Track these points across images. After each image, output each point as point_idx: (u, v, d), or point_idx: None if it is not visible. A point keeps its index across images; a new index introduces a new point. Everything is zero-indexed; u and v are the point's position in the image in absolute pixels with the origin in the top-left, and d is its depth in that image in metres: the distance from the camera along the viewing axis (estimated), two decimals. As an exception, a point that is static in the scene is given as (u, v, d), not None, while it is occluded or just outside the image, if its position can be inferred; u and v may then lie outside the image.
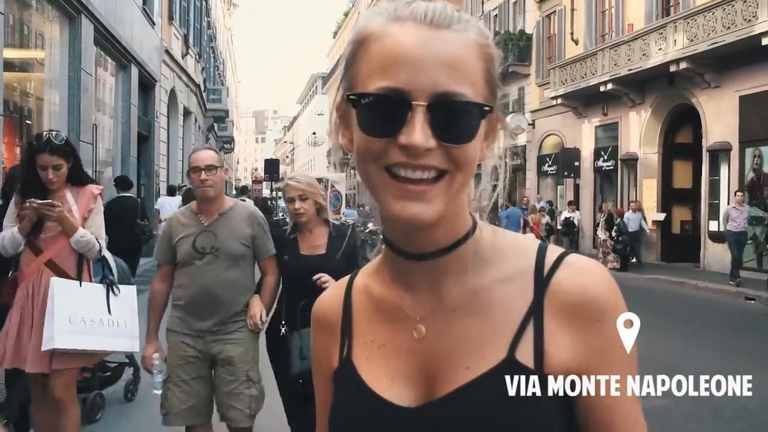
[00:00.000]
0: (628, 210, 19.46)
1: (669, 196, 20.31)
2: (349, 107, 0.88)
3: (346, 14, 76.17)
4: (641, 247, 19.27)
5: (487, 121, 0.88)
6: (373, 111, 0.84)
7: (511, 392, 0.85)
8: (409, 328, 0.93)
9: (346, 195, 26.98)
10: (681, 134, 20.77)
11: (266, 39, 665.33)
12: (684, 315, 10.95)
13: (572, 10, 24.50)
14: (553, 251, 0.92)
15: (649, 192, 20.68)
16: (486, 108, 0.85)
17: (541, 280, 0.90)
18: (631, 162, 21.46)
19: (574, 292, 0.88)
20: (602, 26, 23.52)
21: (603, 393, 0.87)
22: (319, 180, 19.06)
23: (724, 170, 17.84)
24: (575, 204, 22.30)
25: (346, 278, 1.07)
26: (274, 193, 35.94)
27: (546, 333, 0.87)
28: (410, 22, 0.84)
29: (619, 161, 21.86)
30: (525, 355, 0.87)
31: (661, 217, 19.70)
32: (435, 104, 0.82)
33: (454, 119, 0.83)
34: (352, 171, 66.16)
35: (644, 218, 18.94)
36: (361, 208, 16.95)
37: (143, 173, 17.76)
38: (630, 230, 18.45)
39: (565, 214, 21.68)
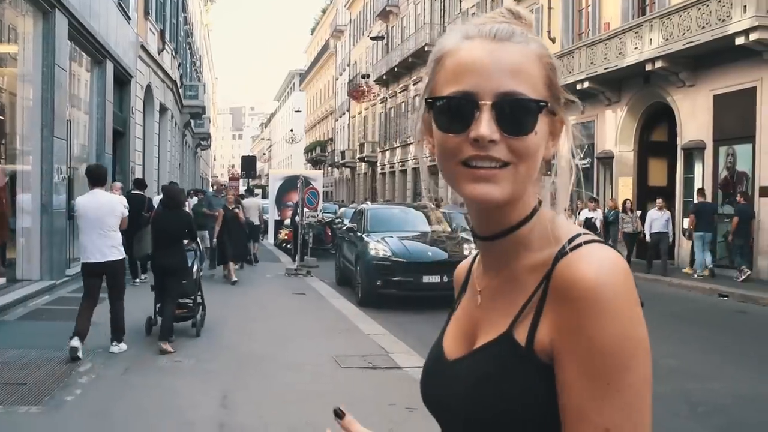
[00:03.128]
0: (654, 208, 17.48)
1: (644, 194, 20.48)
2: (430, 116, 1.04)
3: (323, 11, 75.94)
4: (666, 250, 17.20)
5: (550, 121, 1.03)
6: (447, 111, 1.00)
7: (497, 362, 0.99)
8: (475, 297, 1.13)
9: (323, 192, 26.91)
10: (656, 132, 20.96)
11: (243, 35, 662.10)
12: (658, 312, 11.05)
13: (549, 8, 24.63)
14: (580, 239, 0.99)
15: (624, 189, 20.84)
16: (542, 104, 0.99)
17: (554, 265, 0.98)
18: (607, 160, 21.61)
19: (563, 277, 0.95)
20: (579, 25, 23.67)
21: (558, 373, 0.93)
22: (297, 177, 18.96)
23: (698, 168, 18.04)
24: (596, 201, 19.37)
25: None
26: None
27: (543, 313, 0.97)
28: (478, 39, 1.01)
29: (595, 159, 22.01)
30: (521, 332, 0.98)
31: (637, 214, 19.86)
32: (498, 102, 0.97)
33: (515, 114, 0.97)
34: (329, 168, 66.11)
35: (617, 216, 18.68)
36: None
37: (118, 169, 17.57)
38: (653, 231, 17.06)
39: (585, 213, 18.12)
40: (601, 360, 0.89)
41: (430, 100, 1.02)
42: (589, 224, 17.38)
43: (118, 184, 13.06)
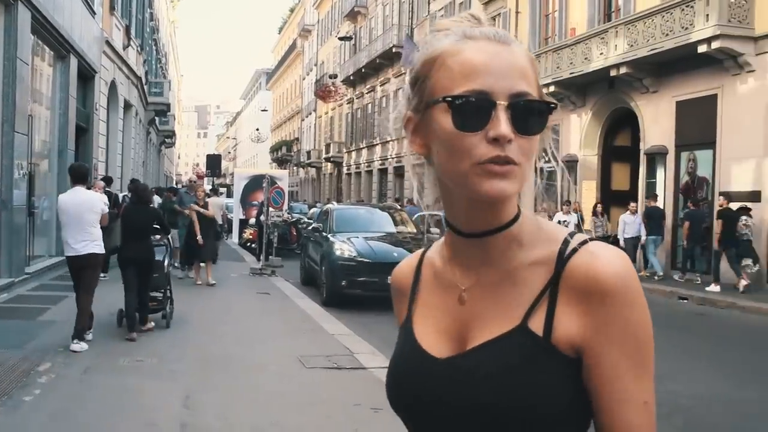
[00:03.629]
0: (627, 212, 17.26)
1: (607, 198, 20.75)
2: (424, 116, 1.06)
3: (291, 10, 75.64)
4: (648, 255, 17.02)
5: None
6: (464, 110, 1.00)
7: (517, 353, 1.02)
8: (456, 296, 1.13)
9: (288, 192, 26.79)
10: (620, 137, 21.25)
11: (210, 33, 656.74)
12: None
13: (517, 12, 24.83)
14: (579, 238, 1.07)
15: (588, 193, 21.10)
16: (552, 105, 1.03)
17: (561, 262, 1.04)
18: (571, 163, 21.84)
19: (585, 274, 1.01)
20: (546, 30, 23.90)
21: (597, 365, 1.00)
22: (262, 177, 18.65)
23: (660, 173, 18.34)
24: (569, 204, 18.62)
25: (421, 251, 1.27)
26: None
27: (558, 308, 1.02)
28: (483, 40, 1.03)
29: (559, 162, 22.18)
30: (536, 324, 1.03)
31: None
32: (513, 103, 1.00)
33: (528, 114, 1.01)
34: (294, 168, 65.85)
35: (582, 219, 18.79)
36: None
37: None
38: (627, 236, 16.93)
39: (559, 216, 17.78)
40: (638, 345, 1.00)
41: (449, 99, 1.01)
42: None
43: (101, 183, 13.07)
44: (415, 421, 1.12)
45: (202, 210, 13.75)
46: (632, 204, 17.36)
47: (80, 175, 8.16)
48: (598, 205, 18.71)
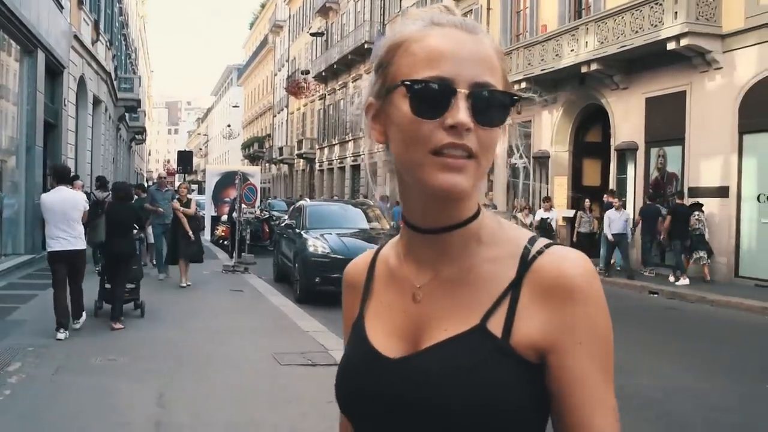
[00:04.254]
0: (611, 209, 16.48)
1: (579, 193, 20.91)
2: (385, 102, 1.03)
3: (262, 5, 75.20)
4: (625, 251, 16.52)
5: None
6: (423, 95, 0.96)
7: (474, 354, 0.98)
8: (410, 293, 1.09)
9: (260, 188, 26.69)
10: (591, 133, 21.45)
11: (180, 28, 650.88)
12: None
13: (488, 9, 24.94)
14: (543, 241, 1.04)
15: (560, 189, 21.28)
16: (515, 98, 1.00)
17: (525, 263, 1.01)
18: (542, 159, 22.01)
19: (550, 274, 0.99)
20: (517, 26, 24.03)
21: (564, 366, 0.97)
22: (234, 173, 18.46)
23: (630, 169, 18.54)
24: (550, 200, 18.73)
25: (375, 248, 1.23)
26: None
27: (519, 309, 0.99)
28: (449, 27, 1.00)
29: (531, 158, 22.39)
30: (495, 325, 0.99)
31: (571, 213, 20.25)
32: (474, 92, 0.96)
33: (490, 105, 0.97)
34: (266, 164, 65.55)
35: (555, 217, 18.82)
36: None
37: (49, 163, 17.06)
38: (613, 232, 16.20)
39: (541, 214, 17.89)
40: (604, 347, 0.99)
41: (408, 83, 0.97)
42: (544, 225, 17.09)
43: (80, 183, 13.58)
44: (366, 423, 1.08)
45: (183, 209, 13.21)
46: (616, 200, 16.62)
47: (63, 175, 8.86)
48: (587, 201, 18.23)
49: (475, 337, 0.99)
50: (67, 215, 8.28)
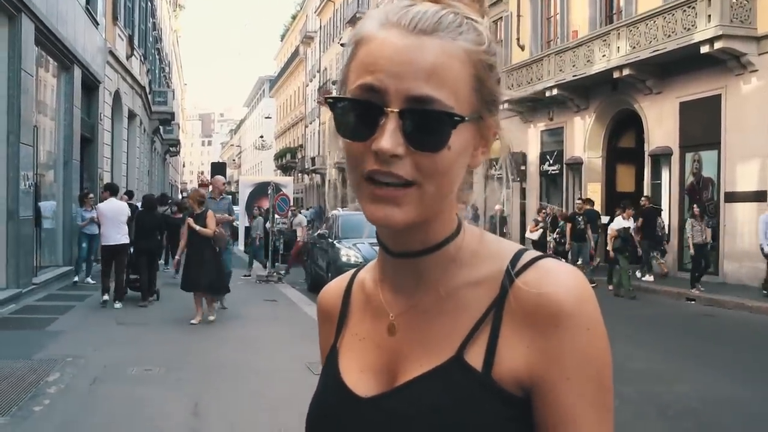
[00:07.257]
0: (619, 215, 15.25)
1: (613, 200, 20.68)
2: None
3: (293, 17, 75.77)
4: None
5: (476, 128, 0.88)
6: (349, 115, 0.84)
7: (450, 391, 0.86)
8: (386, 324, 0.96)
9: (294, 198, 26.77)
10: (624, 139, 21.25)
11: (213, 42, 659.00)
12: (626, 316, 11.18)
13: (518, 16, 24.83)
14: (529, 255, 0.90)
15: (593, 195, 21.00)
16: (456, 118, 0.82)
17: (506, 283, 0.87)
18: (576, 166, 21.83)
19: (534, 294, 0.84)
20: (548, 32, 23.90)
21: (550, 405, 0.84)
22: (267, 184, 18.52)
23: (665, 174, 18.31)
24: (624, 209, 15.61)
25: (352, 271, 1.11)
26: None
27: (501, 336, 0.86)
28: (395, 29, 0.83)
29: (564, 165, 22.22)
30: (474, 356, 0.86)
31: (606, 220, 20.03)
32: (407, 111, 0.81)
33: (425, 127, 0.82)
34: (299, 174, 65.94)
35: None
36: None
37: (86, 176, 17.36)
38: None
39: (621, 222, 15.09)
40: (599, 382, 0.84)
41: (330, 101, 0.85)
42: (625, 235, 14.85)
43: (125, 196, 15.75)
44: None
45: (200, 228, 10.13)
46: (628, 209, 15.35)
47: (114, 189, 12.54)
48: (695, 207, 15.52)
49: (451, 371, 0.86)
50: (116, 219, 11.45)
